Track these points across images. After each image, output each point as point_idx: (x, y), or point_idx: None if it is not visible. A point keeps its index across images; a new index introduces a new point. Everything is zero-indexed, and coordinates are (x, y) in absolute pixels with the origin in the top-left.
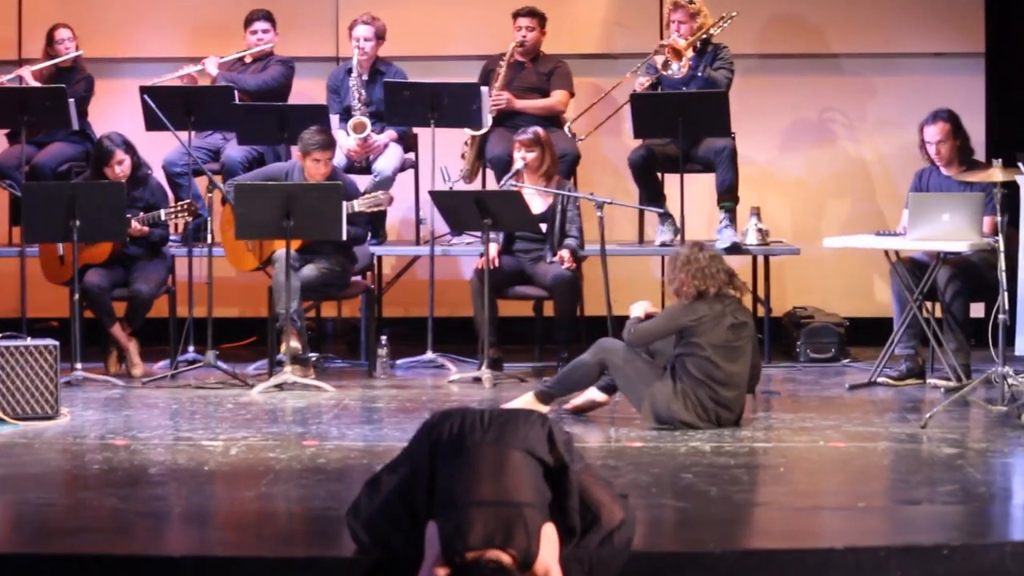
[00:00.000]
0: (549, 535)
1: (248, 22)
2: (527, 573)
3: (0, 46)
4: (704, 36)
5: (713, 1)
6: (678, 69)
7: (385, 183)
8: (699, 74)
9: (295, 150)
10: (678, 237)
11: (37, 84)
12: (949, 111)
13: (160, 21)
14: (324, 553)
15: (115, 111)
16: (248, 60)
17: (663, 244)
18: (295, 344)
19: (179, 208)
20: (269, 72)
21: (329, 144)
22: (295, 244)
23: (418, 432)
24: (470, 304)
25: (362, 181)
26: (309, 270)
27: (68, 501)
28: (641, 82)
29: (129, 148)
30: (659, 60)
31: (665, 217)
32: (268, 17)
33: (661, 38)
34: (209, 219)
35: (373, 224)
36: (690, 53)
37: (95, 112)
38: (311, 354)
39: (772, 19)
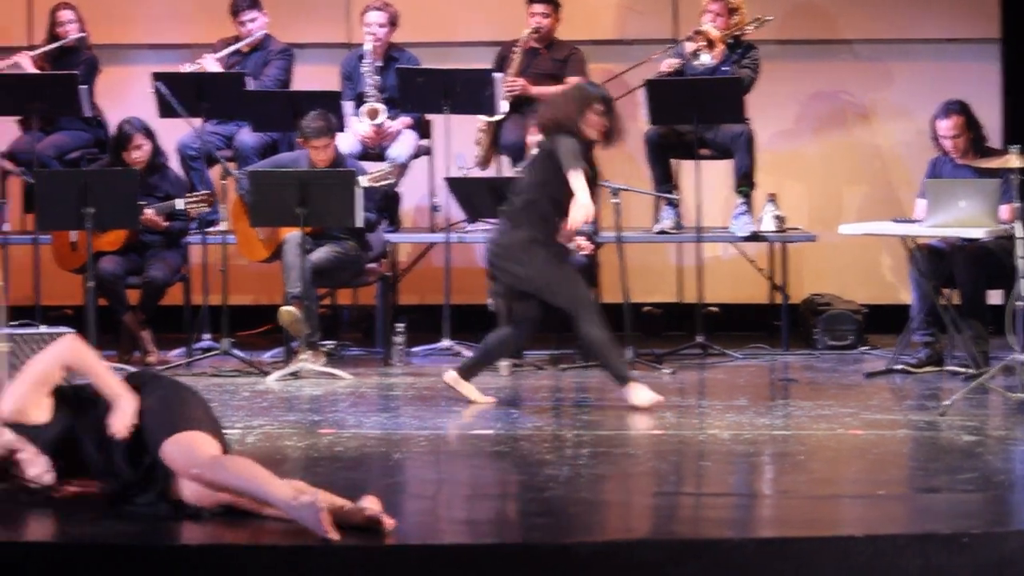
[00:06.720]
0: None
1: (234, 13)
2: None
3: (9, 30)
4: (738, 33)
5: None
6: (709, 60)
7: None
8: (725, 68)
9: None
10: (678, 229)
11: (35, 70)
12: (960, 103)
13: (166, 7)
14: (341, 542)
15: (122, 98)
16: (245, 50)
17: (661, 232)
18: (292, 309)
19: (198, 198)
20: (268, 72)
21: (324, 130)
22: (307, 230)
23: None
24: (486, 292)
25: (376, 168)
26: (320, 253)
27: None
28: (670, 62)
29: (149, 134)
30: (689, 47)
31: (671, 204)
32: (253, 4)
33: (674, 23)
34: (223, 206)
35: (388, 212)
36: (722, 46)
37: (104, 99)
38: (326, 342)
39: (789, 5)
